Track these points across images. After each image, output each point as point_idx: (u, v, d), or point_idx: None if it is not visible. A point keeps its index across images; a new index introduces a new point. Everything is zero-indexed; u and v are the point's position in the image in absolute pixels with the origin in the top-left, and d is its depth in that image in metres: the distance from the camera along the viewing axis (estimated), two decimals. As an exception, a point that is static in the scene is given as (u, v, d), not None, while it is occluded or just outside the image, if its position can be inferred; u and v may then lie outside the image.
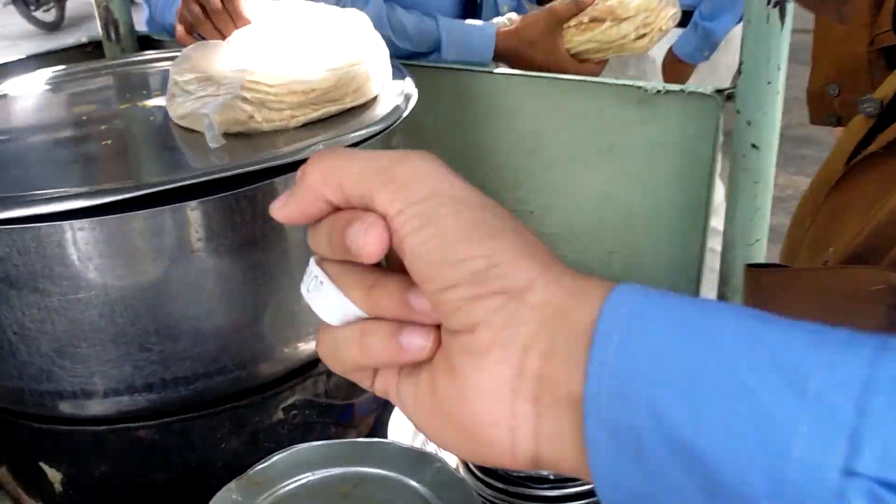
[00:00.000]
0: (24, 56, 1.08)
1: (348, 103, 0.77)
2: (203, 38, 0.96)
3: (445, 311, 0.29)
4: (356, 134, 0.68)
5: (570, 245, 1.02)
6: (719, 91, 0.87)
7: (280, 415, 0.76)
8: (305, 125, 0.74)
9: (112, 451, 0.73)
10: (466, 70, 1.02)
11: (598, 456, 0.25)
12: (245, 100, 0.73)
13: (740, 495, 0.22)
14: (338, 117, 0.77)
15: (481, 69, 1.01)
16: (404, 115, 0.75)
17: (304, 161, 0.61)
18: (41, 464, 0.76)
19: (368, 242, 0.29)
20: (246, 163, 0.61)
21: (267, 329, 0.70)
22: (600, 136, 0.95)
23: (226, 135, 0.71)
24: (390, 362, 0.31)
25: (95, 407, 0.68)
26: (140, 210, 0.58)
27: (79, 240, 0.60)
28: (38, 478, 0.77)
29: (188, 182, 0.58)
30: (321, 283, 0.32)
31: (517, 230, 0.29)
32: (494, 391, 0.27)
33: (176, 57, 0.78)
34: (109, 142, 0.73)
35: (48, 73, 0.98)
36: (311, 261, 0.34)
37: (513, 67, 1.08)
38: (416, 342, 0.30)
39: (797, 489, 0.21)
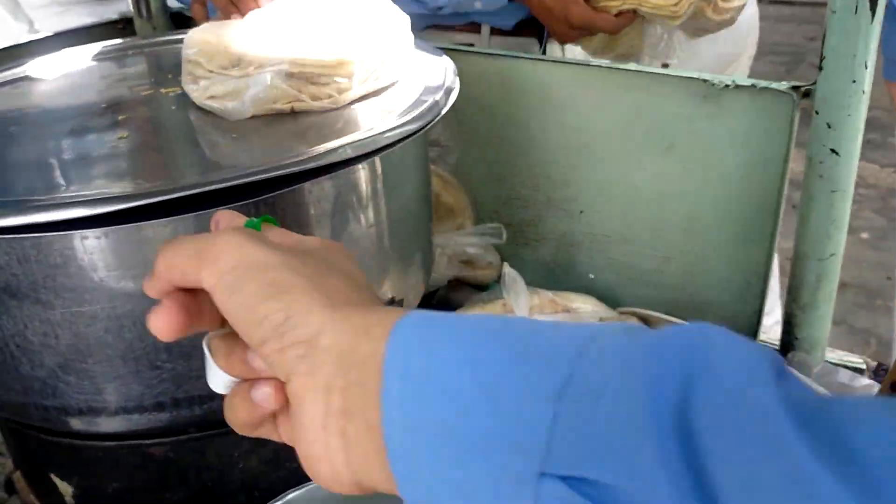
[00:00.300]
0: (50, 33, 1.03)
1: (389, 80, 0.75)
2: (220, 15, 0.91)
3: (269, 365, 0.33)
4: (393, 133, 0.61)
5: (621, 249, 0.95)
6: (795, 87, 0.79)
7: (303, 432, 0.71)
8: (341, 115, 0.68)
9: (125, 468, 0.68)
10: (514, 57, 0.94)
11: (404, 479, 0.29)
12: (291, 76, 0.70)
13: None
14: (374, 111, 0.71)
15: (530, 56, 0.94)
16: (443, 111, 0.68)
17: (335, 165, 0.55)
18: (52, 476, 0.71)
19: (155, 325, 0.36)
20: (267, 167, 0.55)
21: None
22: (659, 133, 0.87)
23: (261, 118, 0.69)
24: (256, 415, 0.36)
25: (105, 423, 0.63)
26: (151, 220, 0.53)
27: (84, 249, 0.55)
28: (49, 489, 0.73)
29: (203, 189, 0.52)
30: (206, 356, 0.37)
31: (314, 279, 0.33)
32: (312, 430, 0.31)
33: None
34: (127, 134, 0.67)
35: (73, 53, 0.93)
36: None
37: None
38: (261, 394, 0.34)
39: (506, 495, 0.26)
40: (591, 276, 0.99)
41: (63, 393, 0.61)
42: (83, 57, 0.92)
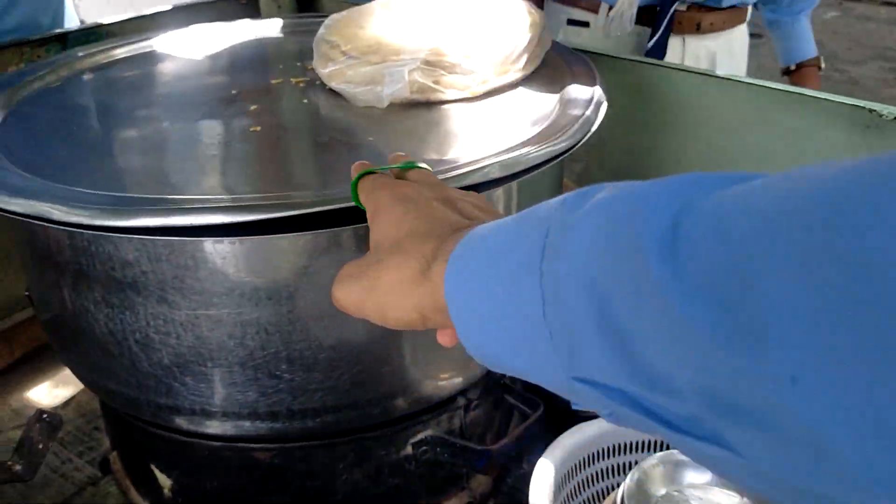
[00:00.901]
0: (170, 6, 1.01)
1: (528, 70, 0.73)
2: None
3: None
4: (542, 152, 0.57)
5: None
6: (977, 126, 0.71)
7: (409, 450, 0.68)
8: (477, 106, 0.64)
9: (227, 469, 0.66)
10: (655, 65, 0.88)
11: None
12: (429, 63, 0.68)
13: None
14: (509, 106, 0.67)
15: (675, 66, 0.87)
16: (593, 128, 0.63)
17: (478, 185, 0.51)
18: (152, 466, 0.70)
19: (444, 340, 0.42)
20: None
21: (408, 365, 0.61)
22: (812, 162, 0.80)
23: (397, 107, 0.67)
24: None
25: (213, 426, 0.61)
26: (290, 233, 0.50)
27: (216, 253, 0.52)
28: (147, 478, 0.72)
29: (344, 206, 0.49)
30: None
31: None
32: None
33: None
34: (259, 128, 0.64)
35: (199, 29, 0.91)
36: None
37: None
38: None
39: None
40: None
41: (177, 393, 0.59)
42: (210, 35, 0.90)
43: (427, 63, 0.68)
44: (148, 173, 0.58)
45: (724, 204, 0.24)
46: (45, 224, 0.50)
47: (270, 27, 0.93)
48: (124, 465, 0.77)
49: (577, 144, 0.60)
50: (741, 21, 1.28)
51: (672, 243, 0.24)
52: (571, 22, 1.27)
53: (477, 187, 0.53)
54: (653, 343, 0.25)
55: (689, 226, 0.24)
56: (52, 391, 0.92)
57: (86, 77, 0.78)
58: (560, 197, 0.30)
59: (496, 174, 0.54)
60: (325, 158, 0.61)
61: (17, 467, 0.63)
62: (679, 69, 0.85)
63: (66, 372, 0.93)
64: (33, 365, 0.95)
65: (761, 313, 0.21)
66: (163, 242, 0.52)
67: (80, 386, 0.93)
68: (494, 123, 0.66)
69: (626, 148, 0.93)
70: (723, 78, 0.84)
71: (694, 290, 0.23)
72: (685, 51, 1.24)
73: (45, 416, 0.64)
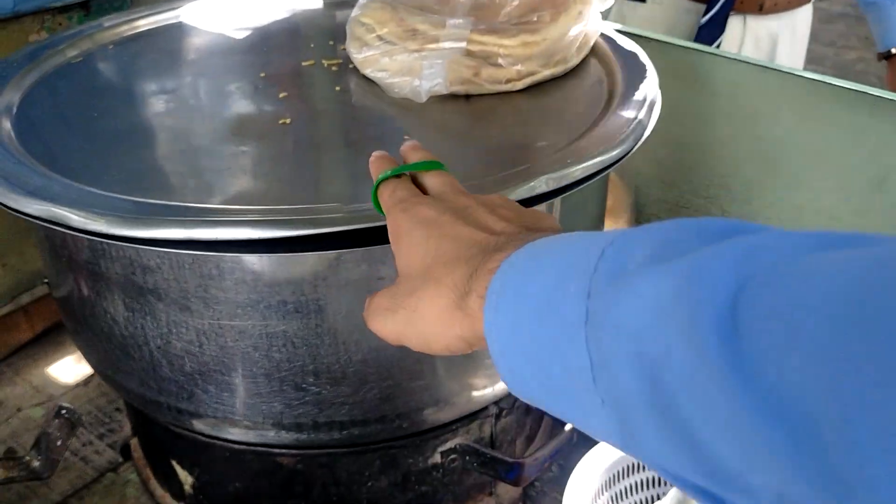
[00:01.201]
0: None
1: (574, 61, 0.69)
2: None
3: None
4: (589, 165, 0.53)
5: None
6: None
7: (437, 458, 0.65)
8: (519, 100, 0.60)
9: (250, 471, 0.64)
10: (708, 53, 0.83)
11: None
12: (469, 53, 0.64)
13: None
14: (555, 100, 0.63)
15: (728, 54, 0.82)
16: (646, 134, 0.59)
17: (524, 201, 0.48)
18: (174, 462, 0.68)
19: None
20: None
21: (441, 378, 0.58)
22: (874, 164, 0.75)
23: (433, 99, 0.63)
24: None
25: (236, 433, 0.59)
26: (320, 251, 0.46)
27: (240, 266, 0.49)
28: (169, 472, 0.70)
29: (376, 224, 0.45)
30: None
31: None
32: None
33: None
34: (290, 120, 0.61)
35: (229, 1, 0.86)
36: None
37: None
38: None
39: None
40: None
41: (200, 400, 0.56)
42: (239, 5, 0.86)
43: (467, 53, 0.64)
44: (170, 173, 0.54)
45: (794, 287, 0.21)
46: (63, 230, 0.47)
47: (302, -3, 0.88)
48: (145, 453, 0.75)
49: (628, 153, 0.56)
50: (807, 0, 1.21)
51: (733, 329, 0.21)
52: None
53: (523, 203, 0.50)
54: (720, 439, 0.22)
55: (751, 310, 0.21)
56: (73, 367, 0.91)
57: (108, 52, 0.74)
58: (598, 244, 0.28)
59: (543, 188, 0.50)
60: (357, 160, 0.57)
61: (36, 464, 0.61)
62: (735, 59, 0.80)
63: (88, 349, 0.92)
64: (54, 339, 0.94)
65: (855, 467, 0.18)
66: (182, 255, 0.49)
67: (102, 365, 0.91)
68: (538, 123, 0.62)
69: (670, 138, 0.88)
70: (783, 71, 0.78)
71: (765, 401, 0.20)
72: (745, 31, 1.18)
73: (63, 411, 0.62)
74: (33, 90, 0.66)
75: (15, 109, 0.62)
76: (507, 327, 0.30)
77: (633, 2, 1.19)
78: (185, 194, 0.50)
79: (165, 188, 0.51)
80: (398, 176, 0.42)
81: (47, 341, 0.94)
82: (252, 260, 0.49)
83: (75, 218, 0.47)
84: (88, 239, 0.50)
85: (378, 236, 0.45)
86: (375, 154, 0.44)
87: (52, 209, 0.47)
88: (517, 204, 0.40)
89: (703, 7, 1.15)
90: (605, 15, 0.76)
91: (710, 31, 1.13)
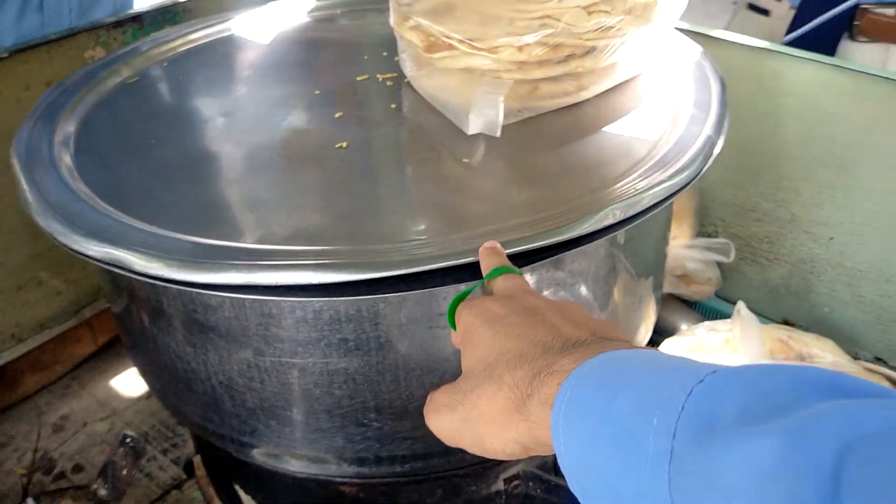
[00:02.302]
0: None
1: (639, 69, 0.66)
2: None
3: None
4: (658, 190, 0.50)
5: (876, 288, 0.80)
6: None
7: (500, 485, 0.64)
8: (584, 113, 0.57)
9: (312, 499, 0.64)
10: (776, 52, 0.79)
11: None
12: (524, 65, 0.60)
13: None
14: (621, 108, 0.60)
15: (796, 53, 0.78)
16: (716, 151, 0.56)
17: (593, 234, 0.46)
18: (236, 486, 0.69)
19: None
20: (524, 237, 0.46)
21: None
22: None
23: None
24: None
25: (298, 465, 0.59)
26: (380, 293, 0.45)
27: (301, 308, 0.48)
28: (232, 494, 0.70)
29: (455, 262, 0.44)
30: None
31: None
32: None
33: None
34: (346, 144, 0.59)
35: (278, 7, 0.85)
36: None
37: None
38: None
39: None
40: (828, 310, 0.85)
41: (262, 434, 0.56)
42: (289, 14, 0.84)
43: (522, 64, 0.61)
44: (228, 206, 0.54)
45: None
46: (125, 273, 0.47)
47: (352, 3, 0.87)
48: (208, 472, 0.75)
49: (699, 174, 0.53)
50: None
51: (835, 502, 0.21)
52: (752, 7, 1.16)
53: (592, 236, 0.48)
54: None
55: (855, 485, 0.21)
56: (135, 381, 0.92)
57: (162, 71, 0.74)
58: (686, 378, 0.27)
59: (610, 220, 0.48)
60: (414, 188, 0.56)
61: (102, 492, 0.61)
62: (805, 58, 0.76)
63: (149, 362, 0.92)
64: (116, 352, 0.95)
65: None
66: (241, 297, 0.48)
67: (163, 377, 0.92)
68: (601, 142, 0.59)
69: (738, 140, 0.84)
70: (855, 70, 0.74)
71: None
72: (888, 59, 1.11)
73: (128, 440, 0.62)
74: (90, 116, 0.66)
75: (73, 139, 0.61)
76: (580, 444, 0.29)
77: (756, 14, 1.14)
78: (244, 232, 0.49)
79: (224, 225, 0.50)
80: None
81: (110, 354, 0.95)
82: (311, 303, 0.48)
83: (136, 262, 0.46)
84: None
85: (437, 278, 0.44)
86: (485, 246, 0.44)
87: (113, 252, 0.47)
88: (586, 311, 0.38)
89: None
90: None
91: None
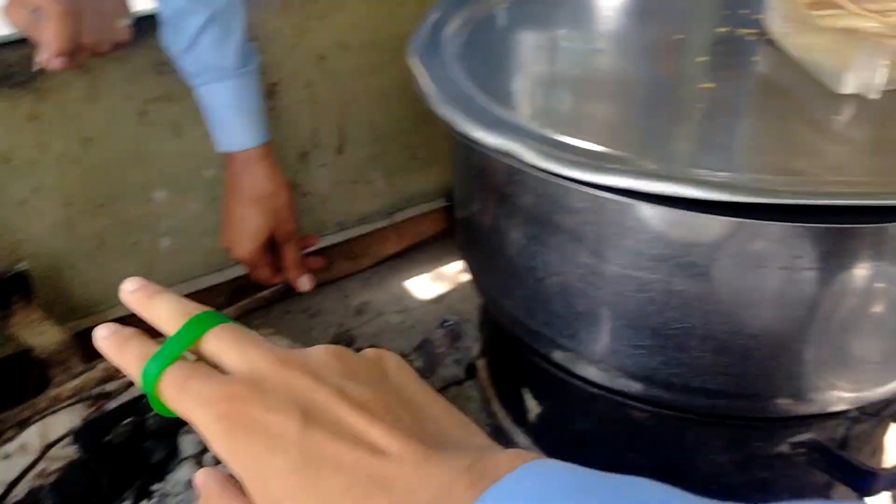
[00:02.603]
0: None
1: None
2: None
3: None
4: None
5: None
6: None
7: (784, 448, 0.65)
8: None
9: (597, 416, 0.68)
10: None
11: None
12: None
13: None
14: None
15: None
16: None
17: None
18: (524, 390, 0.74)
19: None
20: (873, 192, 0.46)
21: (822, 370, 0.57)
22: None
23: None
24: None
25: (603, 378, 0.63)
26: (767, 220, 0.47)
27: (663, 222, 0.52)
28: (514, 398, 0.76)
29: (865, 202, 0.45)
30: None
31: None
32: None
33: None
34: (714, 85, 0.61)
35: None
36: None
37: None
38: None
39: None
40: None
41: (581, 340, 0.61)
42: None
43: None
44: (608, 122, 0.58)
45: None
46: (518, 166, 0.52)
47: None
48: (491, 374, 0.82)
49: None
50: None
51: None
52: None
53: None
54: None
55: None
56: (427, 285, 1.01)
57: (529, 2, 0.80)
58: None
59: None
60: (784, 135, 0.57)
61: (418, 363, 0.69)
62: None
63: (442, 271, 1.01)
64: (414, 257, 1.05)
65: None
66: (613, 202, 0.52)
67: (454, 286, 1.00)
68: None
69: None
70: None
71: None
72: None
73: (448, 322, 0.69)
74: (470, 33, 0.73)
75: (458, 49, 0.69)
76: None
77: None
78: (626, 147, 0.53)
79: (607, 135, 0.55)
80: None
81: (409, 258, 1.05)
82: (673, 218, 0.51)
83: (533, 156, 0.51)
84: (519, 177, 0.55)
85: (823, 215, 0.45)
86: (131, 286, 0.32)
87: (509, 144, 0.52)
88: (375, 370, 0.30)
89: None
90: None
91: None
